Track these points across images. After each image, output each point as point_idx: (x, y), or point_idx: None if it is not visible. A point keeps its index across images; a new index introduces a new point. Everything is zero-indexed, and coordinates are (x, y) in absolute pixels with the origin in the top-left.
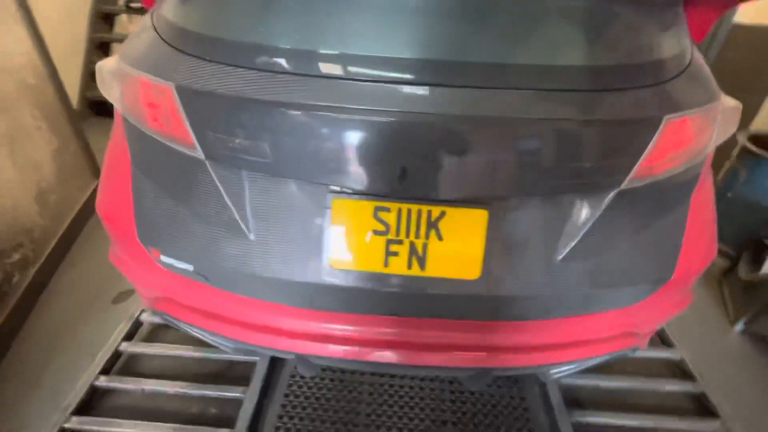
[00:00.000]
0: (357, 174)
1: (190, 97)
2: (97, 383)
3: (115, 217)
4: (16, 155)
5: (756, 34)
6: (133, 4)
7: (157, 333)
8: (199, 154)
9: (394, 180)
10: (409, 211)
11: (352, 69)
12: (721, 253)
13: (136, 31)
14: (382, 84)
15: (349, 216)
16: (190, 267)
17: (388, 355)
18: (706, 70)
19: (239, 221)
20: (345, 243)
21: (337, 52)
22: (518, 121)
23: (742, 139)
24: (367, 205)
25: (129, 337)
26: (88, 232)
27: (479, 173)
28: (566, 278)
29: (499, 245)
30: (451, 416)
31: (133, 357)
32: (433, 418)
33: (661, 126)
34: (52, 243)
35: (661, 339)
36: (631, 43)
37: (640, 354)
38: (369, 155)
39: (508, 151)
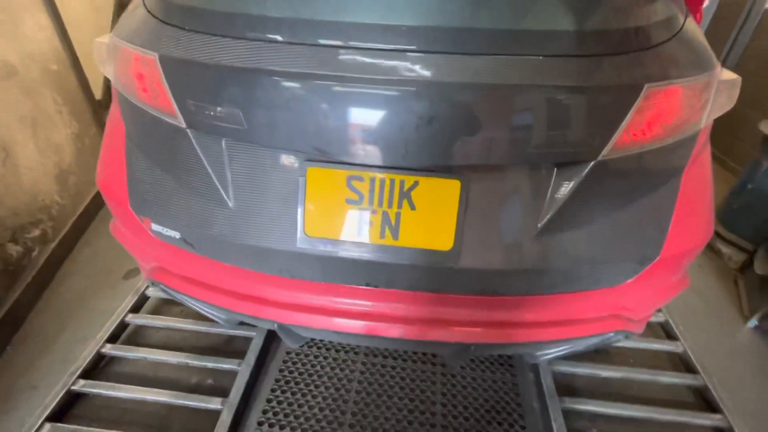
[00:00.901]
0: (329, 141)
1: (171, 66)
2: (104, 351)
3: (112, 187)
4: (38, 137)
5: None
6: None
7: (161, 307)
8: (181, 122)
9: (367, 148)
10: (382, 181)
11: (320, 36)
12: (738, 247)
13: (129, 7)
14: (353, 51)
15: (324, 184)
16: (177, 235)
17: (363, 327)
18: (700, 37)
19: (220, 189)
20: (319, 211)
21: (306, 18)
22: (489, 87)
23: (765, 129)
24: (341, 174)
25: (135, 309)
26: (104, 213)
27: (451, 141)
28: (544, 252)
29: (472, 216)
30: (441, 398)
31: (139, 328)
32: (423, 399)
33: (642, 94)
34: (70, 221)
35: (665, 331)
36: (612, 6)
37: (641, 345)
38: (341, 123)
39: (480, 119)
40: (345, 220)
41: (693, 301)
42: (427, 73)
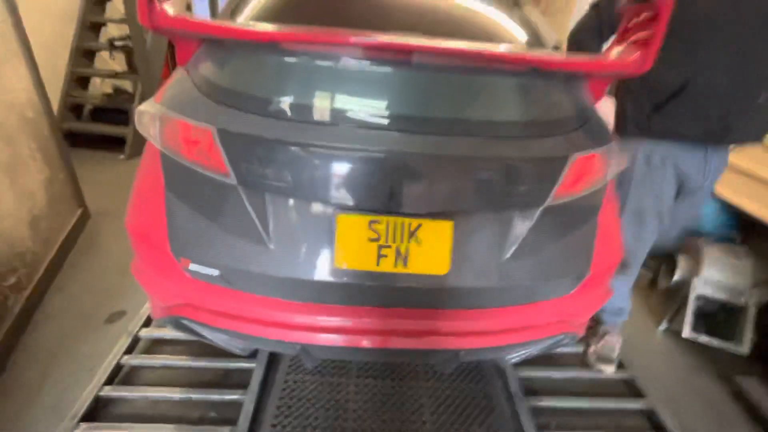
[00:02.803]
0: (356, 196)
1: (227, 137)
2: (102, 393)
3: (147, 232)
4: (15, 184)
5: None
6: (117, 43)
7: (155, 347)
8: (233, 180)
9: (384, 200)
10: (395, 224)
11: (355, 119)
12: (644, 267)
13: (172, 83)
14: (375, 131)
15: (350, 228)
16: (215, 272)
17: (378, 341)
18: (604, 122)
19: (262, 233)
20: (347, 248)
21: (337, 107)
22: (471, 158)
23: None
24: (364, 219)
25: (129, 351)
26: (74, 258)
27: (445, 195)
28: (512, 273)
29: (461, 248)
30: (428, 410)
31: (135, 369)
32: (413, 410)
33: (569, 161)
34: (42, 267)
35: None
36: (549, 105)
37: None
38: (365, 182)
39: (465, 180)
40: (367, 254)
41: None
42: (427, 150)
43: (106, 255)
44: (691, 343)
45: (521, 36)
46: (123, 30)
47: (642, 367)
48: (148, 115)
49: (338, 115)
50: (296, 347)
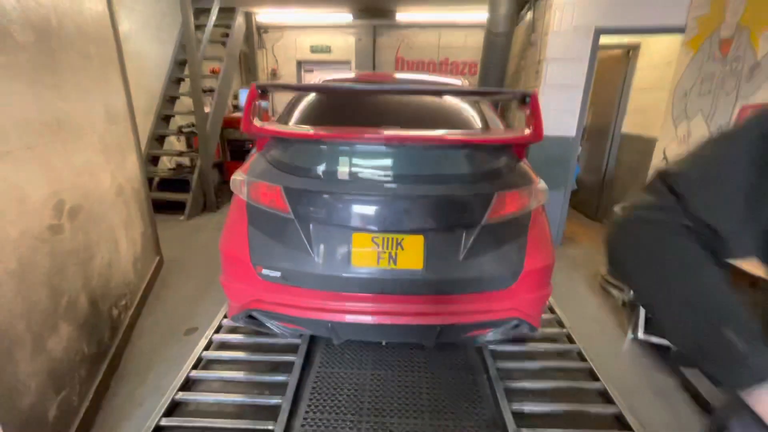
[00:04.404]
0: (364, 222)
1: (288, 191)
2: (190, 375)
3: (236, 252)
4: (127, 235)
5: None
6: (185, 129)
7: (223, 347)
8: (291, 216)
9: (380, 224)
10: (388, 238)
11: (361, 178)
12: (618, 288)
13: (252, 161)
14: (375, 183)
15: (361, 241)
16: (278, 274)
17: (378, 319)
18: (527, 170)
19: (309, 248)
20: (359, 254)
21: (357, 172)
22: (432, 197)
23: (617, 210)
24: (369, 236)
25: (206, 348)
26: (156, 291)
27: (419, 220)
28: (465, 270)
29: (430, 252)
30: (426, 392)
31: (210, 361)
32: (415, 394)
33: (494, 197)
34: (138, 295)
35: (568, 338)
36: (482, 163)
37: (553, 347)
38: (369, 214)
39: (429, 210)
40: (371, 257)
41: (592, 326)
42: (405, 193)
43: (178, 290)
44: (653, 347)
45: (477, 122)
46: (186, 119)
47: (606, 363)
48: (239, 180)
49: (351, 176)
50: (328, 325)
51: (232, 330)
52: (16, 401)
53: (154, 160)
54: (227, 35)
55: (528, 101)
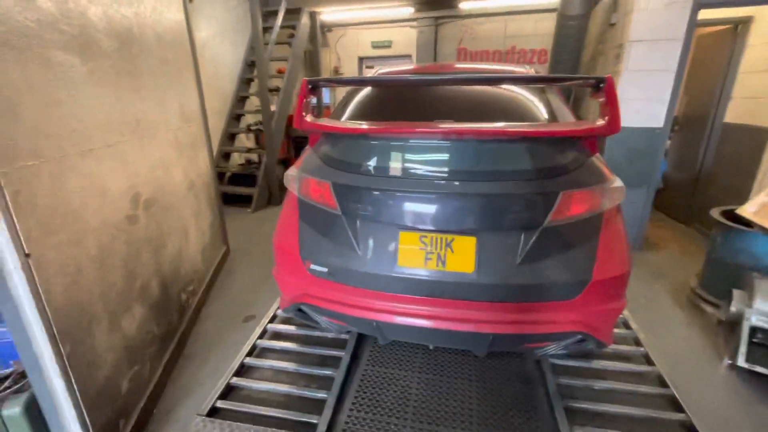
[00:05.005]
0: (411, 220)
1: (337, 186)
2: (245, 362)
3: (287, 246)
4: (197, 224)
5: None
6: (253, 127)
7: (276, 337)
8: (339, 212)
9: (429, 223)
10: (437, 238)
11: (410, 173)
12: (714, 305)
13: (305, 157)
14: (424, 180)
15: (408, 239)
16: (326, 270)
17: (425, 323)
18: (600, 166)
19: (354, 243)
20: (406, 253)
21: (405, 167)
22: (486, 195)
23: (714, 214)
24: (417, 235)
25: (260, 337)
26: (221, 280)
27: (471, 220)
28: (522, 275)
29: (482, 255)
30: (476, 402)
31: (264, 350)
32: (463, 402)
33: (559, 196)
34: (205, 282)
35: (646, 359)
36: (548, 159)
37: (627, 367)
38: (417, 211)
39: (483, 210)
40: (418, 257)
41: (677, 346)
42: (456, 190)
43: (241, 278)
44: (754, 376)
45: (542, 113)
46: (255, 117)
47: (693, 392)
48: (291, 176)
49: (398, 172)
50: (373, 324)
51: (285, 321)
52: (93, 372)
53: (226, 156)
54: (293, 36)
55: (602, 87)
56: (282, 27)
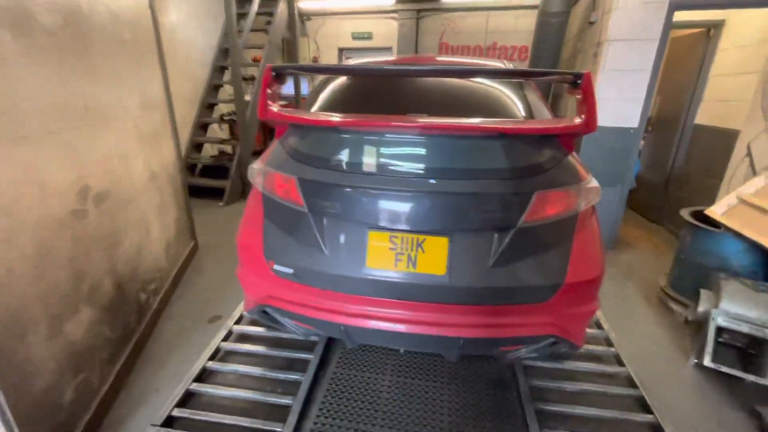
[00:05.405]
0: (381, 219)
1: (303, 182)
2: (207, 366)
3: (251, 245)
4: (161, 220)
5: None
6: (226, 117)
7: (242, 339)
8: (305, 209)
9: (399, 222)
10: (408, 238)
11: (380, 169)
12: (682, 304)
13: (271, 150)
14: (393, 176)
15: (377, 240)
16: (290, 271)
17: (394, 327)
18: (576, 165)
19: (321, 244)
20: (375, 254)
21: (373, 163)
22: (458, 194)
23: (684, 214)
24: (386, 234)
25: (225, 339)
26: (187, 277)
27: (443, 219)
28: (494, 278)
29: (454, 256)
30: (448, 406)
31: (228, 353)
32: (435, 407)
33: (533, 196)
34: (169, 280)
35: (616, 360)
36: (523, 157)
37: (598, 368)
38: (387, 210)
39: (456, 209)
40: (388, 258)
41: (646, 346)
42: (428, 188)
43: (209, 275)
44: (720, 376)
45: (519, 110)
46: (229, 107)
47: (661, 392)
48: (256, 170)
49: (369, 168)
50: (340, 327)
51: (253, 322)
52: (28, 384)
53: (198, 147)
54: (270, 23)
55: (580, 84)
56: (259, 13)
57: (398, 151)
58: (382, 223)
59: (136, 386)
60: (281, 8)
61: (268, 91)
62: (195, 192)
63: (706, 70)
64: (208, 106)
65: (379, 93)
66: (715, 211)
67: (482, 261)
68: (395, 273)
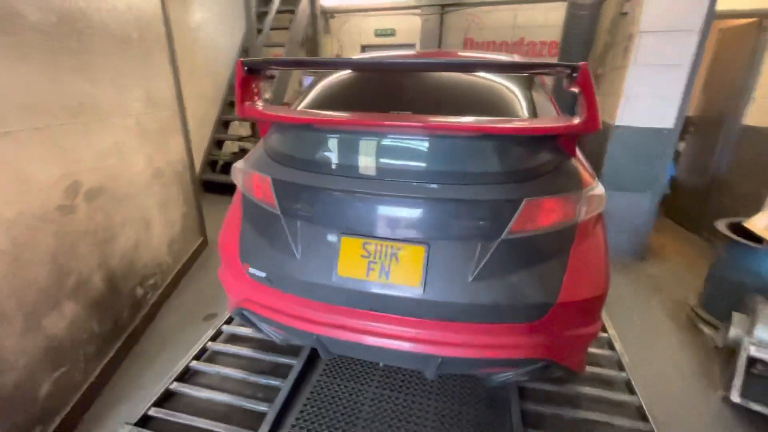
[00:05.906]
0: (355, 224)
1: (277, 183)
2: (191, 365)
3: (229, 246)
4: (164, 215)
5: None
6: None
7: (231, 340)
8: (278, 211)
9: (373, 228)
10: (382, 246)
11: (355, 171)
12: (712, 326)
13: (254, 149)
14: (369, 179)
15: (350, 246)
16: (264, 274)
17: (365, 339)
18: (577, 170)
19: (293, 248)
20: (347, 261)
21: (347, 164)
22: (438, 200)
23: (720, 227)
24: (360, 241)
25: (213, 339)
26: (191, 273)
27: (420, 227)
28: (475, 293)
29: (432, 268)
30: (431, 425)
31: (215, 353)
32: (418, 424)
33: (522, 204)
34: (171, 276)
35: (627, 387)
36: (513, 160)
37: (606, 395)
38: (361, 214)
39: (435, 214)
40: (360, 266)
41: (667, 372)
42: (405, 192)
43: (214, 272)
44: (750, 414)
45: (522, 109)
46: None
47: (679, 428)
48: (237, 169)
49: (344, 169)
50: (312, 337)
51: (242, 323)
52: None
53: (219, 143)
54: (292, 21)
55: (575, 77)
56: (281, 11)
57: (372, 152)
58: (356, 229)
59: (122, 382)
60: (303, 6)
61: (251, 86)
62: (215, 188)
63: (758, 64)
64: (230, 104)
65: (367, 89)
66: (756, 224)
67: (461, 274)
68: (367, 283)
